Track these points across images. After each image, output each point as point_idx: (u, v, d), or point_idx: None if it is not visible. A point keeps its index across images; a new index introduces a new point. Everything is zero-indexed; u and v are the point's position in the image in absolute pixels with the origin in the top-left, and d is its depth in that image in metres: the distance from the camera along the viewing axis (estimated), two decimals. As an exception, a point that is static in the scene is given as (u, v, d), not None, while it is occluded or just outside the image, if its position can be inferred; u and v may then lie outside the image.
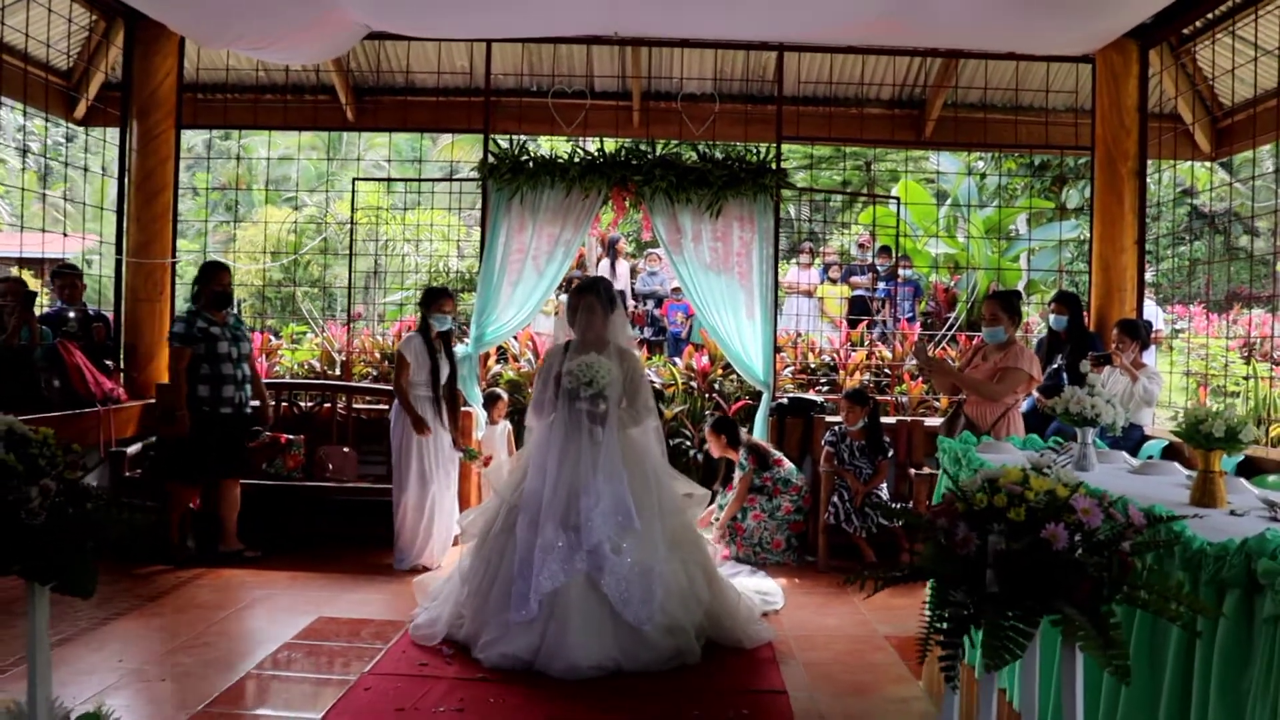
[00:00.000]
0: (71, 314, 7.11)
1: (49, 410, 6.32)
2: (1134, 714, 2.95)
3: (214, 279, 6.41)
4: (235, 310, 6.63)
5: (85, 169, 8.12)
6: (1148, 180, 7.82)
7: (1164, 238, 15.63)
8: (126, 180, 7.68)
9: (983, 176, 13.92)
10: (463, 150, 18.76)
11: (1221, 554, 2.55)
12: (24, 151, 12.57)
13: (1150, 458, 5.69)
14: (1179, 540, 2.50)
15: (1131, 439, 6.38)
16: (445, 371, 6.55)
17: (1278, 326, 11.09)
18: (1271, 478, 4.73)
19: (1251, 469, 5.40)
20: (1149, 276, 14.01)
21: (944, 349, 9.09)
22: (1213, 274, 15.80)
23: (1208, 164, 9.47)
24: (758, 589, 5.77)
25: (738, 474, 6.90)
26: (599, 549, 4.59)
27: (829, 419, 7.02)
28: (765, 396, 7.44)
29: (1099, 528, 1.92)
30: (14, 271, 6.29)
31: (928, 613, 2.07)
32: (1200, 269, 14.89)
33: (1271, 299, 13.54)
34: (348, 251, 16.30)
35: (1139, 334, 6.74)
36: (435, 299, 6.56)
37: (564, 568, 4.57)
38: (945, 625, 2.00)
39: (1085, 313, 7.51)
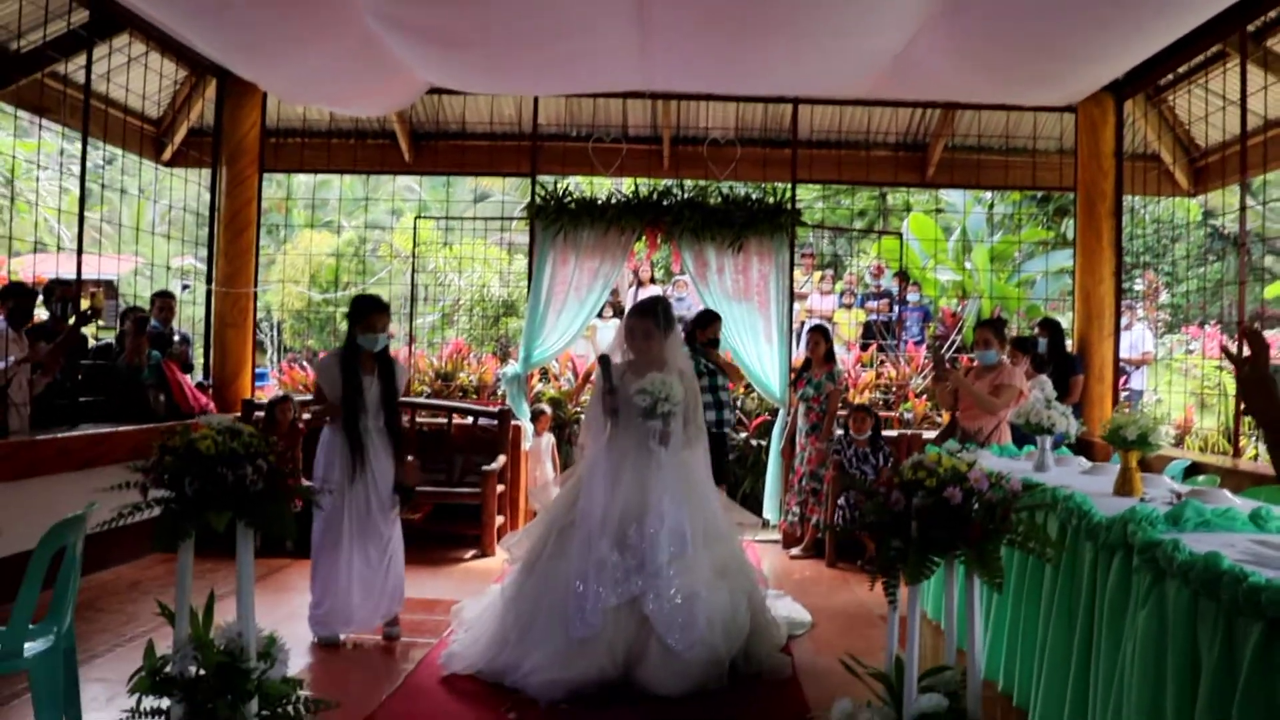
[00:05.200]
0: (176, 337, 8.11)
1: (157, 421, 7.26)
2: (1059, 648, 3.86)
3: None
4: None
5: (122, 191, 8.56)
6: (1144, 212, 8.70)
7: (1182, 260, 16.32)
8: (216, 219, 8.68)
9: (991, 206, 14.82)
10: (493, 179, 19.84)
11: (1110, 524, 3.46)
12: (110, 189, 13.53)
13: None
14: (1047, 503, 3.42)
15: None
16: (373, 398, 5.31)
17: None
18: (1202, 477, 5.60)
19: (1198, 472, 6.24)
20: (1165, 299, 14.80)
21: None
22: (1234, 296, 16.39)
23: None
24: (787, 617, 5.63)
25: (826, 387, 7.80)
26: (659, 573, 4.50)
27: (836, 431, 7.88)
28: (781, 413, 8.32)
29: (987, 492, 2.81)
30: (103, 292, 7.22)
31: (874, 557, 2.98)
32: (1226, 290, 15.57)
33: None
34: (386, 277, 17.50)
35: (1028, 349, 7.51)
36: (364, 314, 5.33)
37: (616, 589, 4.47)
38: (889, 559, 2.91)
39: (1068, 337, 8.37)
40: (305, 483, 3.44)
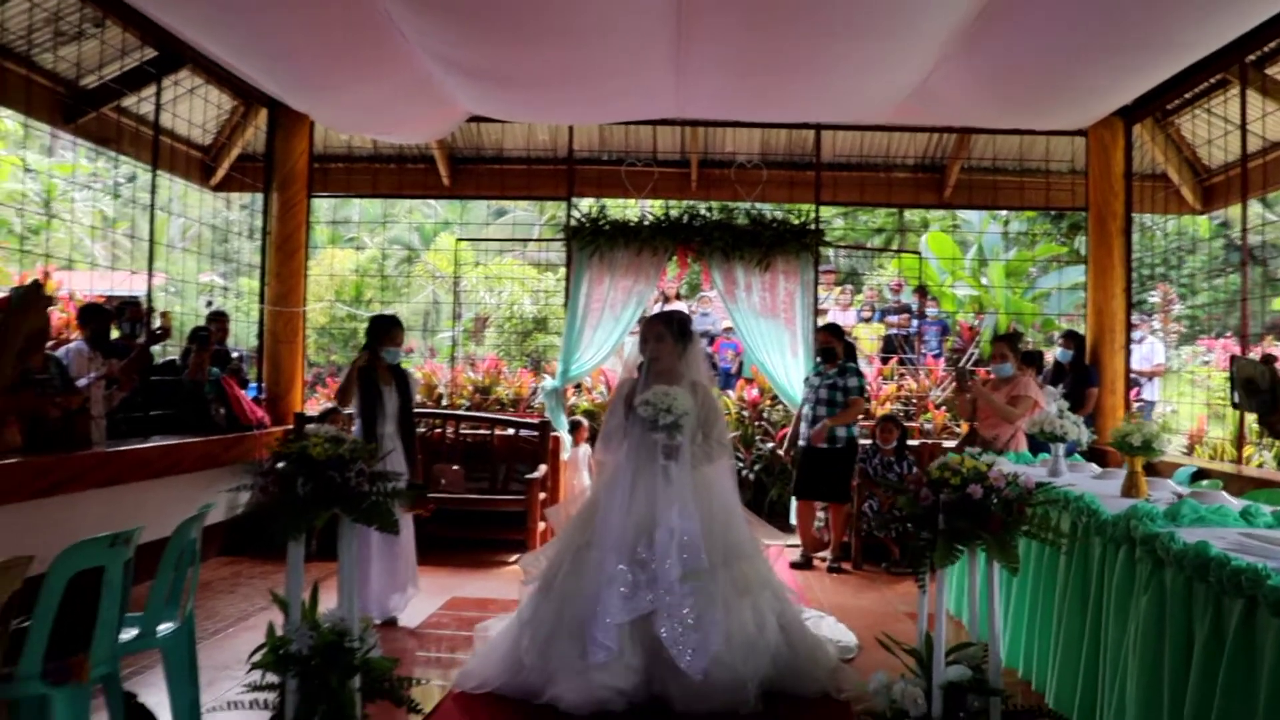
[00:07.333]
0: (235, 354, 8.56)
1: (219, 433, 7.70)
2: (1072, 633, 4.27)
3: (827, 337, 7.94)
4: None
5: (153, 207, 7.96)
6: (1155, 228, 9.08)
7: (1197, 273, 16.63)
8: (267, 241, 9.15)
9: (1006, 223, 15.23)
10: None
11: (1116, 520, 3.87)
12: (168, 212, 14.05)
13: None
14: (1055, 500, 3.85)
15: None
16: (391, 406, 6.00)
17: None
18: (1206, 481, 5.98)
19: (1205, 477, 6.61)
20: (1179, 310, 15.15)
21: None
22: (1251, 306, 16.72)
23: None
24: (830, 635, 5.53)
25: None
26: (671, 589, 4.42)
27: (860, 441, 8.27)
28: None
29: (1005, 489, 3.22)
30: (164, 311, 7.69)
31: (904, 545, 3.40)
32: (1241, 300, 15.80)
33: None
34: (414, 292, 18.02)
35: (1034, 362, 7.88)
36: (387, 330, 6.03)
37: (628, 604, 4.42)
38: (919, 549, 3.33)
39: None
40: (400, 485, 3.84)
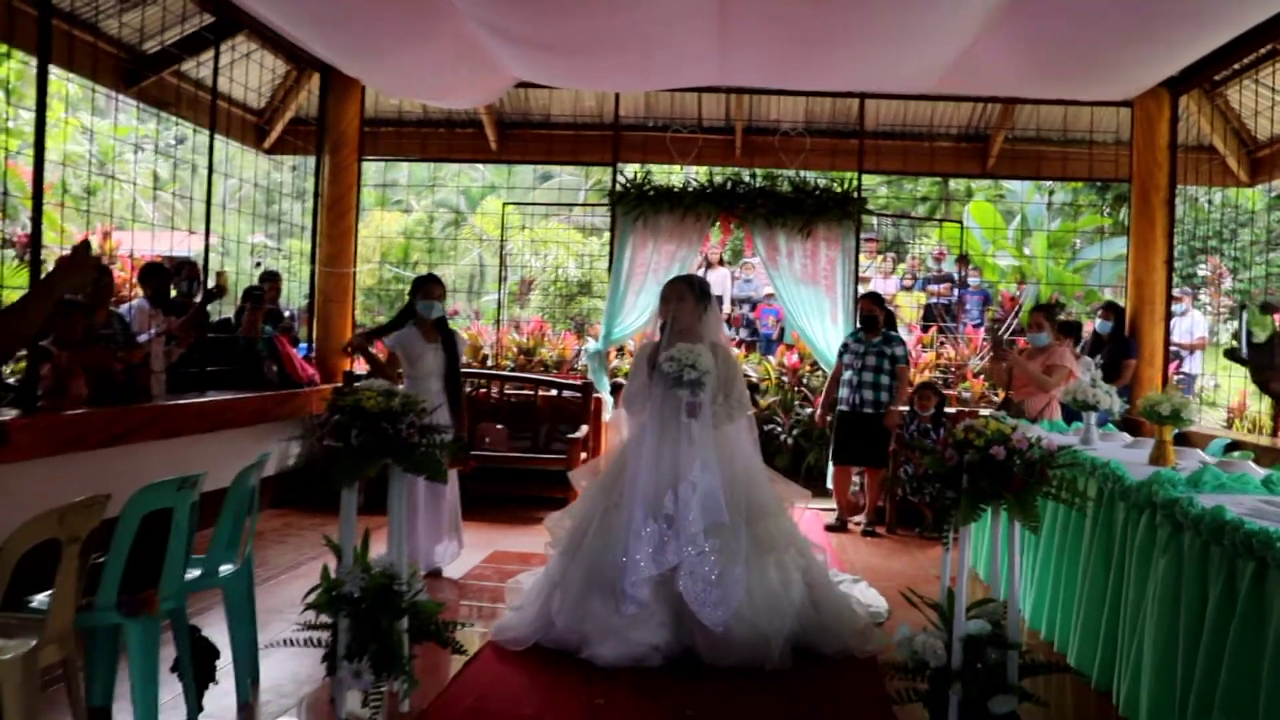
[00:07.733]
0: (286, 313, 8.81)
1: (271, 389, 7.95)
2: (1094, 596, 4.39)
3: (870, 305, 8.06)
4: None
5: (210, 170, 7.88)
6: (1205, 201, 9.05)
7: (1250, 246, 16.42)
8: (319, 204, 9.37)
9: (1051, 194, 15.16)
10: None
11: (1139, 486, 3.98)
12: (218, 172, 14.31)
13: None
14: (1078, 463, 3.97)
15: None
16: (436, 363, 6.15)
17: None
18: (1238, 452, 6.05)
19: (1238, 449, 6.67)
20: (1229, 285, 15.03)
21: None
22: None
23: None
24: (860, 599, 5.55)
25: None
26: (694, 541, 4.53)
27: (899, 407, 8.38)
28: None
29: (1028, 451, 3.35)
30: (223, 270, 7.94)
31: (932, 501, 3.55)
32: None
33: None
34: (453, 252, 18.26)
35: (1072, 332, 8.00)
36: (421, 285, 6.21)
37: (655, 558, 4.52)
38: (944, 507, 3.47)
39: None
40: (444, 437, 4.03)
